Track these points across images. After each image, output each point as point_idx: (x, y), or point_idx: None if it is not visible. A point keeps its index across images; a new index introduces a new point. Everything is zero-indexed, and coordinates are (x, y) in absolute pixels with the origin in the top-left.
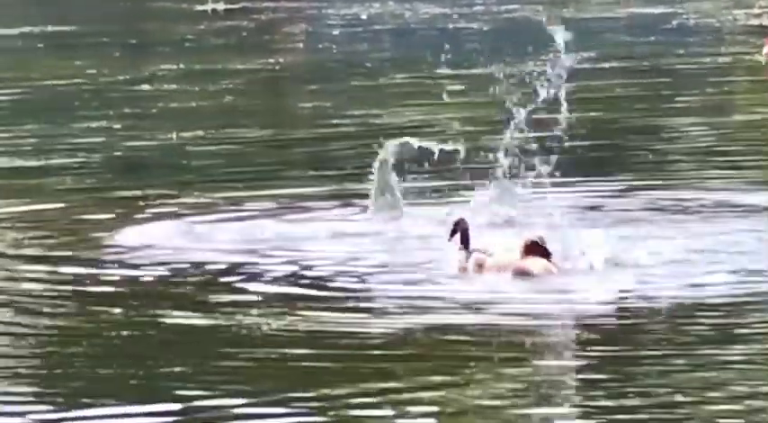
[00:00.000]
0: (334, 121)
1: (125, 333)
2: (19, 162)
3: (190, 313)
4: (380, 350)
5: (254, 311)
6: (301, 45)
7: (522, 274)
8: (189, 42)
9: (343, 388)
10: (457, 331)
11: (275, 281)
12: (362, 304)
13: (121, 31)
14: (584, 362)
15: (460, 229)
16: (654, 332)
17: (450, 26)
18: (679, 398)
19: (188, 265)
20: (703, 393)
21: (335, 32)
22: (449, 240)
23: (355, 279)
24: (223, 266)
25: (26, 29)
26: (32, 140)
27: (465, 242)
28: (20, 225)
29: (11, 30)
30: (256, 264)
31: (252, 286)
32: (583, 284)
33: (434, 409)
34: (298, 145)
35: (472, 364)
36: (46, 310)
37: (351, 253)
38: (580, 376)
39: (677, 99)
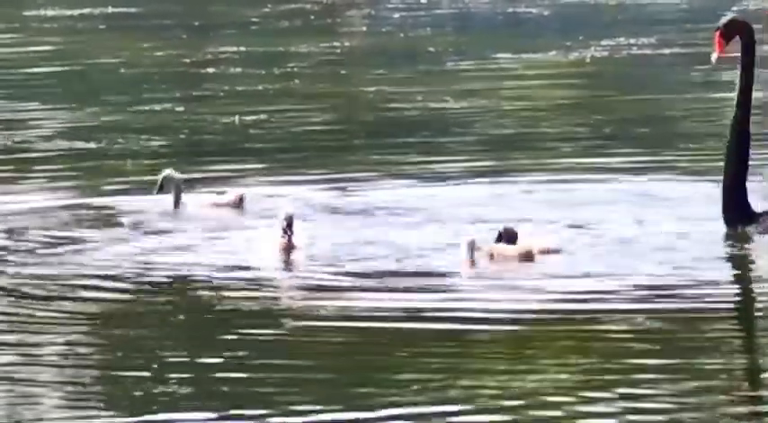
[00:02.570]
0: (397, 105)
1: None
2: (81, 144)
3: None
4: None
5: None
6: (365, 29)
7: (527, 257)
8: (253, 25)
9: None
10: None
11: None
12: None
13: (185, 12)
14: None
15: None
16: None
17: (511, 10)
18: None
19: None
20: None
21: (396, 16)
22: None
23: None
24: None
25: (86, 10)
26: (94, 123)
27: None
28: (81, 208)
29: (72, 10)
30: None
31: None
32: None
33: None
34: (360, 130)
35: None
36: (121, 287)
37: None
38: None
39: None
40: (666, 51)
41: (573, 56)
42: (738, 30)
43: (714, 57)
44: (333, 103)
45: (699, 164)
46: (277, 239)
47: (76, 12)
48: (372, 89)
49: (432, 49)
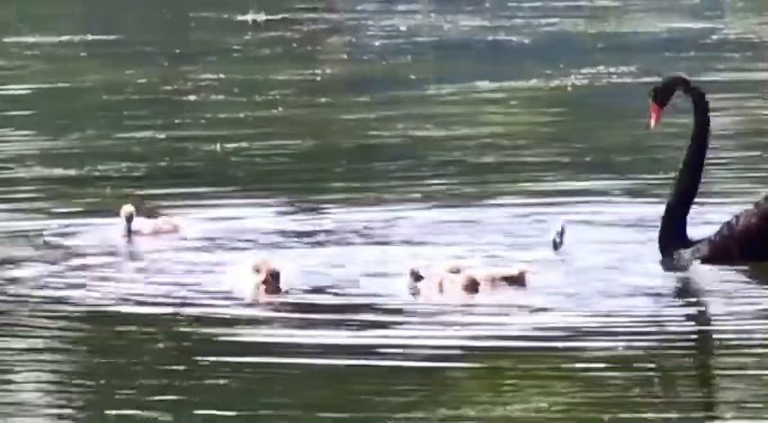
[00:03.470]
0: (378, 133)
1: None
2: (60, 171)
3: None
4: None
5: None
6: (345, 56)
7: (517, 281)
8: (235, 52)
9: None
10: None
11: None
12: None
13: (165, 40)
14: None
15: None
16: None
17: (490, 38)
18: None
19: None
20: None
21: (376, 44)
22: None
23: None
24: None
25: (66, 37)
26: (76, 150)
27: None
28: (61, 233)
29: (52, 38)
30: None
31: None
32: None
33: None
34: (342, 156)
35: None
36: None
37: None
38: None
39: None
40: (647, 79)
41: (553, 83)
42: (670, 91)
43: (653, 127)
44: (314, 130)
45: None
46: (255, 282)
47: (56, 39)
48: (353, 117)
49: (412, 76)
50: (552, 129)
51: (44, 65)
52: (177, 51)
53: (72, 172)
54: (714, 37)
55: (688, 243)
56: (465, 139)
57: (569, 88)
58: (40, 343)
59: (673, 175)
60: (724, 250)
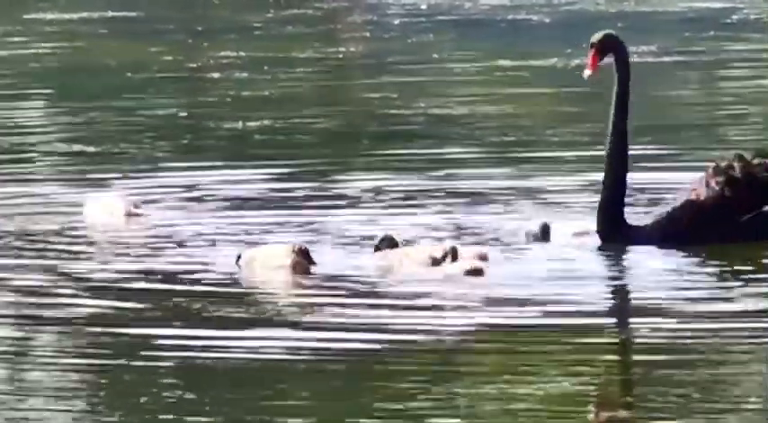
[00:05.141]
0: (400, 112)
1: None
2: (80, 147)
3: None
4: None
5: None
6: (367, 34)
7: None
8: (257, 30)
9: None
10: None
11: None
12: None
13: (186, 17)
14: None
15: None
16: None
17: (510, 17)
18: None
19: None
20: None
21: (397, 22)
22: None
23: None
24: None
25: (85, 14)
26: (96, 127)
27: None
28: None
29: (71, 14)
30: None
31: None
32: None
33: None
34: (364, 134)
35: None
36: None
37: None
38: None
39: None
40: (667, 59)
41: (573, 62)
42: (613, 47)
43: (587, 73)
44: (336, 108)
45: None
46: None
47: (76, 15)
48: (375, 95)
49: (434, 54)
50: (572, 108)
51: (65, 42)
52: (199, 29)
53: (92, 149)
54: (734, 17)
55: (629, 227)
56: (486, 117)
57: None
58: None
59: (688, 153)
60: (677, 232)
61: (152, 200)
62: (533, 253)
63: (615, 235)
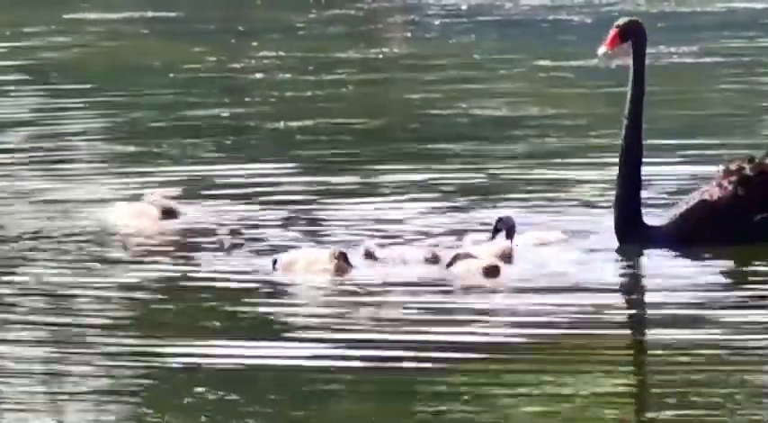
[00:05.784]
0: (441, 112)
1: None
2: (122, 147)
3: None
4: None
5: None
6: (408, 35)
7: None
8: (299, 30)
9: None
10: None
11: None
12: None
13: (227, 17)
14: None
15: (506, 228)
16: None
17: (551, 17)
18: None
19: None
20: None
21: (437, 23)
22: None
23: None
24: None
25: (127, 14)
26: (139, 127)
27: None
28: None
29: (113, 14)
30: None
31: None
32: None
33: None
34: (405, 135)
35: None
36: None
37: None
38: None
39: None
40: (707, 59)
41: (614, 63)
42: (635, 33)
43: (602, 51)
44: (378, 109)
45: None
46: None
47: (117, 15)
48: (417, 96)
49: (475, 55)
50: (614, 109)
51: (107, 42)
52: (241, 29)
53: (133, 148)
54: None
55: (646, 228)
56: (528, 117)
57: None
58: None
59: (728, 154)
60: (693, 233)
61: (191, 198)
62: (550, 253)
63: (632, 235)
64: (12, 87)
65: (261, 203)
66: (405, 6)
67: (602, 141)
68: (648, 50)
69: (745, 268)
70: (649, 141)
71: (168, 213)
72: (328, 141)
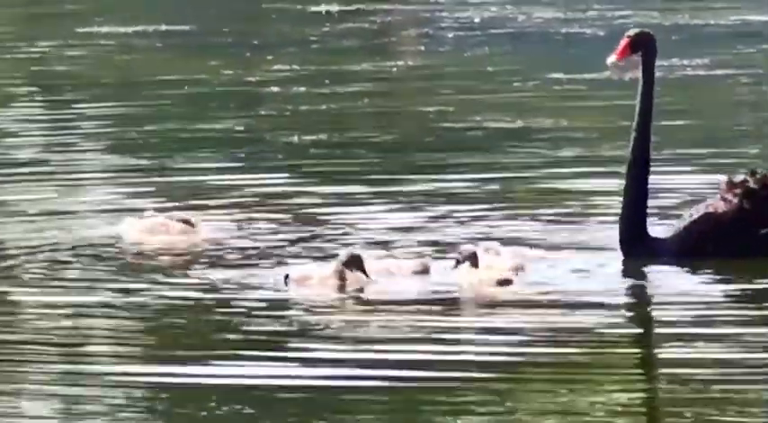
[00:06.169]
0: (455, 125)
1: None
2: (136, 161)
3: None
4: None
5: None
6: (422, 48)
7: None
8: (313, 44)
9: None
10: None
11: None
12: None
13: (241, 31)
14: None
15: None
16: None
17: (564, 30)
18: None
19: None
20: None
21: (451, 35)
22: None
23: None
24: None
25: (139, 28)
26: (153, 140)
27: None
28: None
29: (126, 28)
30: None
31: None
32: None
33: None
34: (420, 148)
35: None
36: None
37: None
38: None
39: None
40: (720, 72)
41: (628, 76)
42: (645, 44)
43: (611, 60)
44: (392, 122)
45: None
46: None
47: (130, 29)
48: (431, 109)
49: (489, 68)
50: (627, 121)
51: (121, 55)
52: (255, 42)
53: (147, 162)
54: None
55: (651, 240)
56: (541, 130)
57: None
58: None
59: (743, 166)
60: (697, 247)
61: (205, 213)
62: (556, 267)
63: (637, 248)
64: (25, 100)
65: (275, 216)
66: (418, 19)
67: (616, 153)
68: (662, 63)
69: (749, 284)
70: (663, 151)
71: (185, 227)
72: (343, 154)
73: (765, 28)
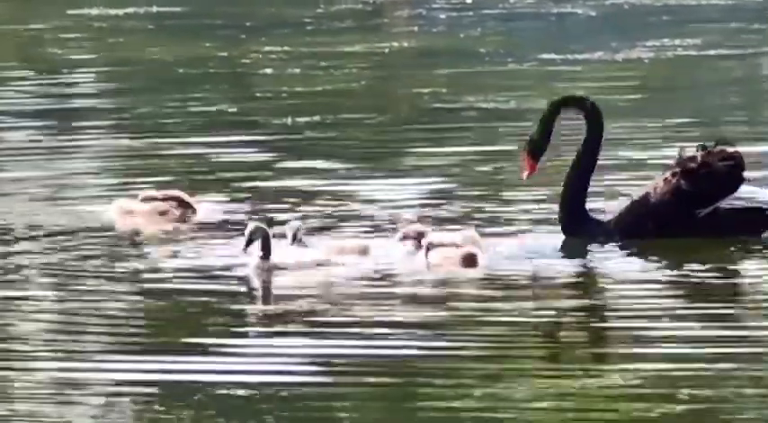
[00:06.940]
0: (448, 106)
1: None
2: (128, 143)
3: None
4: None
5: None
6: (415, 29)
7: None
8: (307, 25)
9: None
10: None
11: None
12: None
13: (235, 12)
14: None
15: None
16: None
17: (556, 11)
18: None
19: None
20: None
21: (443, 16)
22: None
23: None
24: None
25: (131, 10)
26: (146, 121)
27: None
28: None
29: (116, 10)
30: None
31: None
32: None
33: None
34: (413, 129)
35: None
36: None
37: None
38: None
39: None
40: (711, 52)
41: (619, 56)
42: (549, 135)
43: (524, 176)
44: (385, 103)
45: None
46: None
47: (121, 11)
48: (424, 90)
49: (481, 48)
50: (622, 103)
51: (112, 37)
52: (247, 24)
53: (139, 143)
54: None
55: (591, 220)
56: (535, 111)
57: (634, 61)
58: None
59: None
60: (637, 226)
61: (199, 193)
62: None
63: (577, 228)
64: (16, 83)
65: (270, 198)
66: (411, 0)
67: (610, 135)
68: (652, 43)
69: (686, 264)
70: (650, 125)
71: (181, 209)
72: (337, 136)
73: (756, 7)
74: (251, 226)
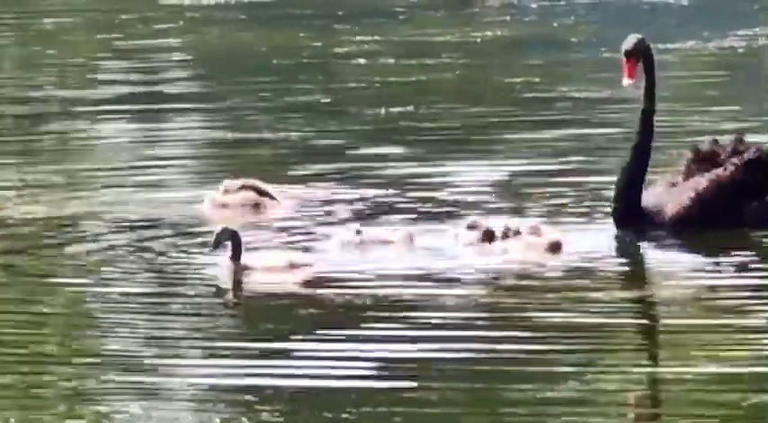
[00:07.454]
0: (542, 95)
1: None
2: (221, 134)
3: None
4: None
5: None
6: (507, 18)
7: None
8: (400, 15)
9: None
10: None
11: None
12: None
13: (325, 2)
14: None
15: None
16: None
17: (648, 0)
18: None
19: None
20: None
21: (535, 6)
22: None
23: None
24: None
25: (222, 0)
26: (238, 113)
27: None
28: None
29: (209, 0)
30: None
31: None
32: None
33: None
34: (507, 119)
35: None
36: None
37: None
38: None
39: None
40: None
41: (711, 45)
42: (642, 51)
43: (627, 83)
44: (478, 93)
45: None
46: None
47: (213, 1)
48: (517, 80)
49: (573, 38)
50: (712, 91)
51: (205, 28)
52: (339, 13)
53: (232, 135)
54: None
55: (644, 212)
56: (627, 101)
57: (727, 50)
58: None
59: None
60: (688, 218)
61: (292, 185)
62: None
63: (632, 219)
64: (109, 74)
65: (363, 188)
66: None
67: (702, 124)
68: (744, 32)
69: (740, 253)
70: (744, 123)
71: (267, 200)
72: (430, 127)
73: None
74: (219, 228)
